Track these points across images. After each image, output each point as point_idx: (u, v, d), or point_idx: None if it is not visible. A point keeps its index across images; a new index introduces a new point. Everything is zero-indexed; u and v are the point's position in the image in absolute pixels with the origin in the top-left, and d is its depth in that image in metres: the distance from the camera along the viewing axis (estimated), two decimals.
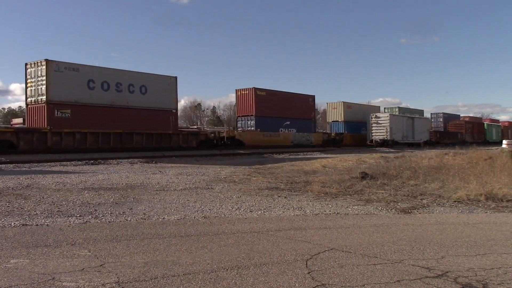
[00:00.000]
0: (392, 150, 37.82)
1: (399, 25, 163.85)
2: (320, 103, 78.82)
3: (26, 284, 3.59)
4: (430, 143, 46.24)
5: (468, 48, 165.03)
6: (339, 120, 47.87)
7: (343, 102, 48.11)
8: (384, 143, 44.15)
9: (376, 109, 53.82)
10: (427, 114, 63.78)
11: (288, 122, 39.31)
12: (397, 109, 55.90)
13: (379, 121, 45.24)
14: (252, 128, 36.55)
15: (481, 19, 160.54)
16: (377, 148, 41.15)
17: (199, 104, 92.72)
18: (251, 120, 36.95)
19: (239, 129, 36.96)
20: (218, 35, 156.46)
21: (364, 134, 47.70)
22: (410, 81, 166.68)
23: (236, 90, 38.02)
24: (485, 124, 68.65)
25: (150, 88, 28.15)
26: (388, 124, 44.48)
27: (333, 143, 43.79)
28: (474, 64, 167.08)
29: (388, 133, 44.35)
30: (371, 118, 46.13)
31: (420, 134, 49.95)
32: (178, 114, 33.28)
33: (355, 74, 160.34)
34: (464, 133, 59.50)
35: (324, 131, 49.99)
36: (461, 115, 68.24)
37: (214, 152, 28.44)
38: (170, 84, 29.45)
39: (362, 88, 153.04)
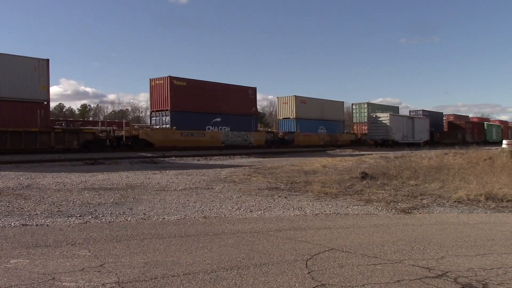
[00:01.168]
0: (377, 152, 33.79)
1: (399, 25, 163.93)
2: None
3: (26, 284, 3.59)
4: (430, 143, 46.19)
5: (468, 48, 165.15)
6: (291, 117, 41.34)
7: (295, 96, 41.15)
8: (384, 143, 44.11)
9: (340, 104, 48.18)
10: (404, 111, 60.85)
11: (218, 119, 33.14)
12: (365, 105, 51.62)
13: (379, 121, 45.21)
14: (167, 126, 29.95)
15: (481, 19, 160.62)
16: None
17: None
18: (165, 115, 30.27)
19: (155, 126, 30.49)
20: (217, 35, 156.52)
21: (327, 135, 43.76)
22: (410, 81, 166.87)
23: (150, 80, 31.32)
24: (485, 124, 68.62)
25: (8, 74, 22.36)
26: (388, 124, 44.46)
27: (281, 144, 38.08)
28: (474, 64, 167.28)
29: (388, 133, 44.33)
30: (371, 118, 46.10)
31: (420, 134, 49.94)
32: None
33: (355, 74, 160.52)
34: (464, 133, 59.49)
35: (269, 130, 43.98)
36: (444, 113, 64.83)
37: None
38: (38, 68, 23.58)
39: (362, 88, 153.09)
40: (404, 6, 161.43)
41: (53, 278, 3.76)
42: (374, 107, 52.32)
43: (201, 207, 7.94)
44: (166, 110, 30.27)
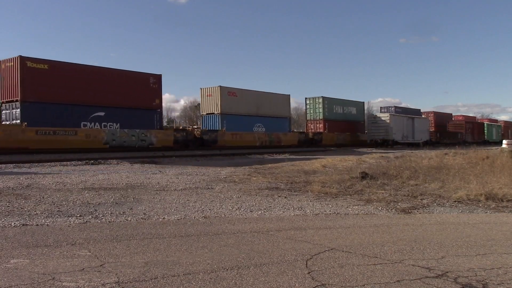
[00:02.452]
0: (377, 152, 32.44)
1: (399, 25, 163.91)
2: None
3: (26, 284, 3.59)
4: (430, 143, 46.19)
5: (467, 48, 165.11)
6: (215, 112, 34.26)
7: (221, 86, 34.13)
8: (384, 143, 44.11)
9: (284, 98, 41.00)
10: (373, 108, 57.16)
11: (101, 113, 26.34)
12: (320, 100, 45.28)
13: (379, 121, 45.23)
14: (17, 121, 23.03)
15: (480, 19, 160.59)
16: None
17: (199, 104, 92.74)
18: (15, 108, 23.47)
19: (5, 122, 23.74)
20: (217, 35, 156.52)
21: (265, 134, 37.27)
22: (410, 81, 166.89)
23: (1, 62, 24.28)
24: (485, 124, 68.67)
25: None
26: (388, 124, 44.47)
27: (201, 145, 31.08)
28: (474, 64, 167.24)
29: (388, 133, 44.33)
30: (371, 118, 46.10)
31: (420, 134, 49.96)
32: (178, 114, 28.70)
33: (355, 74, 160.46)
34: (464, 133, 59.50)
35: (186, 127, 37.53)
36: (422, 110, 61.08)
37: None
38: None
39: (361, 88, 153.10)
40: (403, 6, 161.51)
41: (53, 278, 3.76)
42: (331, 102, 46.05)
43: (201, 207, 7.94)
44: (16, 100, 23.24)
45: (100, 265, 4.16)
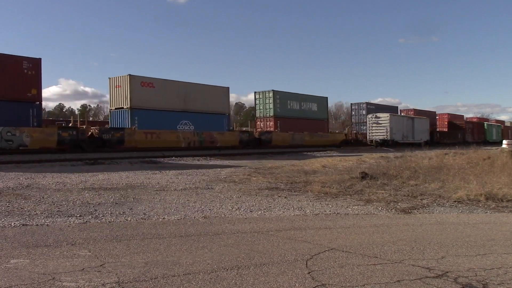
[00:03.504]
0: (377, 152, 31.62)
1: (398, 25, 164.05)
2: None
3: (26, 284, 3.59)
4: (430, 143, 46.18)
5: (467, 48, 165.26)
6: (124, 107, 27.97)
7: (131, 75, 27.90)
8: (384, 143, 44.09)
9: (222, 91, 34.07)
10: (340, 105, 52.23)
11: None
12: (271, 94, 39.07)
13: (379, 121, 45.19)
14: None
15: (480, 19, 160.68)
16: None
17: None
18: None
19: None
20: (217, 34, 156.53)
21: (193, 133, 30.65)
22: (410, 81, 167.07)
23: None
24: (485, 124, 68.66)
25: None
26: (388, 124, 44.45)
27: (100, 146, 25.44)
28: (474, 64, 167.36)
29: (388, 133, 44.32)
30: (371, 118, 46.07)
31: (420, 134, 49.92)
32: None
33: (355, 74, 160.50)
34: (464, 133, 59.50)
35: (74, 125, 27.69)
36: (399, 108, 58.37)
37: None
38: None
39: (361, 88, 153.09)
40: (403, 6, 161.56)
41: (53, 278, 3.76)
42: (285, 97, 40.36)
43: (201, 207, 7.94)
44: None
45: (100, 265, 4.16)
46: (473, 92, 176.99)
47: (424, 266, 4.22)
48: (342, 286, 3.62)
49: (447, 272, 4.03)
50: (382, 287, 3.62)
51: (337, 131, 54.26)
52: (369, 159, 20.85)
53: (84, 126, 26.80)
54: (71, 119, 31.41)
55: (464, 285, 3.67)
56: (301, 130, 40.73)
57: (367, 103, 50.38)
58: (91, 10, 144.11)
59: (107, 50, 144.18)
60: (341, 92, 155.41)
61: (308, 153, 31.89)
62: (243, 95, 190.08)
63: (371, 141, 45.02)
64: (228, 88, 34.98)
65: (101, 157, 20.95)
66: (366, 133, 47.46)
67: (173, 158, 22.89)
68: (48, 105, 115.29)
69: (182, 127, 30.67)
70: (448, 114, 65.79)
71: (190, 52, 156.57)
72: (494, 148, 32.19)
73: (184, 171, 15.38)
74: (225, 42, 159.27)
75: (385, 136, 44.48)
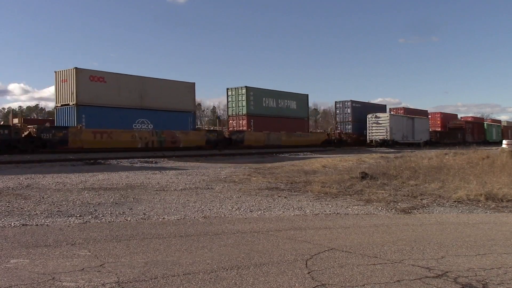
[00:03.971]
0: (377, 152, 31.50)
1: (397, 25, 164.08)
2: (321, 102, 78.03)
3: (26, 284, 3.59)
4: (430, 143, 46.17)
5: (467, 48, 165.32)
6: (70, 104, 25.40)
7: (77, 68, 25.37)
8: (384, 143, 44.10)
9: (186, 87, 31.32)
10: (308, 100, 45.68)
11: None
12: (244, 90, 36.57)
13: (379, 121, 45.20)
14: None
15: (480, 19, 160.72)
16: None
17: (199, 104, 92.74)
18: None
19: None
20: (216, 34, 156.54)
21: (152, 132, 28.11)
22: (410, 81, 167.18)
23: None
24: (485, 124, 68.66)
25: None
26: (388, 124, 44.45)
27: (40, 146, 23.08)
28: (474, 64, 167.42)
29: (388, 133, 44.32)
30: (371, 118, 46.05)
31: (420, 134, 49.93)
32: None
33: (355, 74, 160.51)
34: (464, 133, 59.50)
35: (17, 124, 26.33)
36: (389, 107, 56.56)
37: None
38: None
39: (361, 88, 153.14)
40: (403, 6, 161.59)
41: (53, 278, 3.76)
42: (260, 94, 37.76)
43: (201, 207, 7.94)
44: None
45: (100, 265, 4.16)
46: (473, 92, 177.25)
47: (424, 266, 4.22)
48: (342, 286, 3.62)
49: (447, 272, 4.03)
50: (382, 287, 3.62)
51: (318, 130, 52.52)
52: (369, 159, 20.84)
53: (19, 125, 24.51)
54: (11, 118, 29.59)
55: (464, 285, 3.67)
56: (278, 129, 37.92)
57: (352, 101, 47.76)
58: (91, 10, 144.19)
59: (107, 50, 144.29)
60: (341, 92, 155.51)
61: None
62: None
63: (371, 141, 45.01)
64: (193, 84, 32.09)
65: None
66: (351, 133, 46.10)
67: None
68: (48, 105, 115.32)
69: (139, 126, 28.12)
70: (441, 112, 63.33)
71: (190, 52, 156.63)
72: (494, 148, 32.19)
73: (184, 171, 15.37)
74: (225, 42, 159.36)
75: (385, 136, 44.49)
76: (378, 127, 45.11)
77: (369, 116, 46.16)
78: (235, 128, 36.27)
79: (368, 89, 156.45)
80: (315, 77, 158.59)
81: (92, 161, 19.18)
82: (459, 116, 68.43)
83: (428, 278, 3.85)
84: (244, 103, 36.48)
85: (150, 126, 28.77)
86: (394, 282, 3.74)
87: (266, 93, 38.68)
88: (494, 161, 14.58)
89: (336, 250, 4.86)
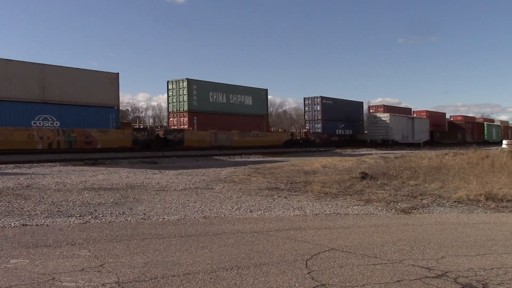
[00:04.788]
0: (377, 152, 31.08)
1: (397, 25, 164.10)
2: None
3: (26, 284, 3.59)
4: (430, 143, 46.20)
5: (467, 48, 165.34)
6: None
7: None
8: (384, 143, 44.10)
9: (107, 78, 26.17)
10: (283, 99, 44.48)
11: None
12: (185, 83, 32.28)
13: (379, 121, 45.22)
14: None
15: (480, 19, 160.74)
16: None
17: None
18: None
19: None
20: (216, 34, 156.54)
21: (54, 131, 23.23)
22: (410, 81, 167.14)
23: None
24: (485, 124, 68.70)
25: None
26: (388, 124, 44.47)
27: None
28: (473, 64, 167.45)
29: (388, 133, 44.34)
30: (371, 118, 46.05)
31: (420, 134, 49.97)
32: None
33: (354, 74, 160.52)
34: (464, 133, 59.54)
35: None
36: (372, 104, 55.04)
37: None
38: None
39: (361, 88, 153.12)
40: (402, 6, 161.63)
41: (53, 278, 3.76)
42: (205, 87, 33.43)
43: (201, 207, 7.94)
44: None
45: (100, 265, 4.16)
46: (473, 92, 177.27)
47: (424, 266, 4.22)
48: (342, 286, 3.62)
49: (447, 272, 4.03)
50: (382, 287, 3.62)
51: (280, 130, 46.63)
52: (369, 159, 20.84)
53: None
54: None
55: (464, 285, 3.67)
56: (228, 128, 33.59)
57: (322, 97, 43.63)
58: (91, 10, 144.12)
59: (106, 50, 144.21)
60: (341, 92, 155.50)
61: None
62: None
63: (371, 141, 45.02)
64: (117, 74, 26.65)
65: None
66: (320, 132, 42.78)
67: None
68: None
69: (40, 123, 23.32)
70: (427, 111, 59.69)
71: (190, 52, 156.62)
72: (494, 148, 32.18)
73: (184, 171, 15.38)
74: (224, 42, 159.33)
75: (385, 136, 44.50)
76: (378, 127, 45.12)
77: (369, 116, 46.15)
78: (176, 127, 31.84)
79: (368, 89, 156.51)
80: (315, 77, 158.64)
81: (92, 161, 19.24)
82: (448, 116, 66.74)
83: (428, 278, 3.85)
84: (186, 98, 32.01)
85: (57, 124, 23.89)
86: (394, 282, 3.74)
87: (213, 86, 34.12)
88: (494, 161, 14.58)
89: (336, 250, 4.86)
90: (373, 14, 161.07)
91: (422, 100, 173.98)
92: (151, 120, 53.00)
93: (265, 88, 39.11)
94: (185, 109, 32.36)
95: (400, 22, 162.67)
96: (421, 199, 9.12)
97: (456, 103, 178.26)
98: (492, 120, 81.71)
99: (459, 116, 70.80)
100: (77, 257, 4.46)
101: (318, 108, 43.74)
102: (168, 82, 33.33)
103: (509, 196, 8.92)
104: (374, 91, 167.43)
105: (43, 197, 8.74)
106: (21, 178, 12.09)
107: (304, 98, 45.81)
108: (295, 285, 3.65)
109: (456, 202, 8.77)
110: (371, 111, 52.53)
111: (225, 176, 13.52)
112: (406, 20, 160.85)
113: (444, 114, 66.08)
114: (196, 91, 32.78)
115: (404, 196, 9.52)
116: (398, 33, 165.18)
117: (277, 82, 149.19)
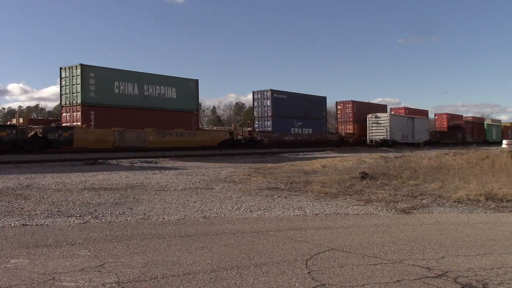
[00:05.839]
0: (377, 152, 31.32)
1: (397, 25, 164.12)
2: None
3: (26, 284, 3.59)
4: (430, 143, 46.17)
5: (467, 48, 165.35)
6: None
7: None
8: (384, 143, 44.09)
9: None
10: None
11: None
12: (79, 69, 25.86)
13: (379, 121, 45.19)
14: None
15: (480, 19, 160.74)
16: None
17: (199, 104, 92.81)
18: None
19: None
20: (216, 34, 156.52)
21: None
22: (410, 81, 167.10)
23: None
24: (485, 124, 68.69)
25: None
26: (388, 124, 44.46)
27: None
28: (473, 64, 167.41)
29: (388, 133, 44.32)
30: (371, 118, 46.01)
31: (420, 134, 49.96)
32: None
33: (354, 74, 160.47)
34: (464, 133, 59.52)
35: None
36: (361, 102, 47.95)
37: None
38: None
39: (361, 88, 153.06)
40: (402, 6, 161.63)
41: (53, 278, 3.76)
42: (109, 75, 27.37)
43: (201, 207, 7.94)
44: None
45: (100, 265, 4.16)
46: (473, 92, 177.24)
47: (424, 266, 4.22)
48: (342, 286, 3.62)
49: (447, 272, 4.03)
50: (382, 287, 3.62)
51: (215, 128, 42.26)
52: (369, 159, 20.83)
53: None
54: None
55: (464, 285, 3.67)
56: (141, 125, 27.94)
57: (273, 91, 37.51)
58: (91, 10, 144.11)
59: (106, 50, 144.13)
60: (341, 92, 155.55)
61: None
62: (242, 95, 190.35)
63: (371, 141, 45.00)
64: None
65: None
66: (270, 131, 36.92)
67: None
68: (48, 105, 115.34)
69: None
70: (405, 108, 56.21)
71: (190, 51, 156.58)
72: (494, 148, 32.18)
73: (184, 171, 15.37)
74: (224, 42, 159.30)
75: (385, 136, 44.49)
76: (378, 127, 45.10)
77: (369, 116, 46.09)
78: (69, 123, 25.88)
79: (368, 89, 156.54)
80: (315, 77, 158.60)
81: (92, 161, 19.23)
82: (432, 114, 64.58)
83: (428, 278, 3.85)
84: (79, 88, 25.69)
85: None
86: (394, 282, 3.74)
87: (120, 75, 27.72)
88: (494, 161, 14.57)
89: (336, 250, 4.86)
90: (373, 14, 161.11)
91: (422, 100, 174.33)
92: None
93: (196, 78, 32.24)
94: (78, 102, 25.88)
95: (400, 22, 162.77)
96: (421, 199, 9.12)
97: (456, 103, 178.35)
98: (499, 121, 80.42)
99: (444, 114, 65.65)
100: (77, 257, 4.46)
101: (268, 103, 37.49)
102: (61, 69, 26.68)
103: (509, 196, 8.91)
104: (374, 91, 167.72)
105: (43, 197, 8.74)
106: (21, 178, 12.08)
107: (253, 92, 38.70)
108: (295, 285, 3.65)
109: (456, 202, 8.76)
110: (338, 107, 46.84)
111: (225, 176, 13.51)
112: (406, 20, 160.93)
113: (427, 111, 60.26)
114: (95, 80, 26.46)
115: (404, 196, 9.52)
116: (398, 33, 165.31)
117: (277, 81, 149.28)
